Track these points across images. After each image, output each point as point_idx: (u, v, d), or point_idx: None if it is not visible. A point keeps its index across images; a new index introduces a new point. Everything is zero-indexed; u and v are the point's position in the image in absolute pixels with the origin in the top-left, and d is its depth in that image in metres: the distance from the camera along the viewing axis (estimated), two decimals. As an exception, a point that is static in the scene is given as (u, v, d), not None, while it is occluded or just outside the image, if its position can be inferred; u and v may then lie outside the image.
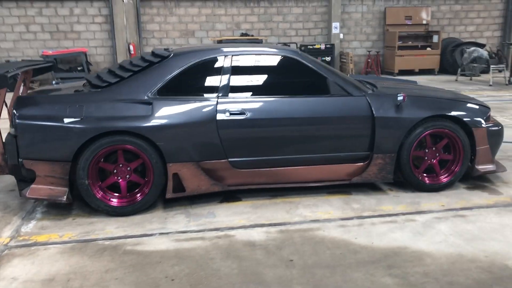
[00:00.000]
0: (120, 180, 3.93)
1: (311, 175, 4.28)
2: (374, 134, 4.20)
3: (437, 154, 4.41)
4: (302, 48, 14.60)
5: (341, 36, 15.19)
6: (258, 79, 4.33)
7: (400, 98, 4.15)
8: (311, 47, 14.45)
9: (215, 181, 4.09)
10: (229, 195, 4.35)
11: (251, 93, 4.18)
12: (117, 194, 3.95)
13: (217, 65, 4.15)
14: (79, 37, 14.06)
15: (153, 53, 4.34)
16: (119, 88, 3.96)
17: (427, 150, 4.40)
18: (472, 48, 13.28)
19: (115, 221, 3.82)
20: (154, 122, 3.84)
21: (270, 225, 3.74)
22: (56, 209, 4.09)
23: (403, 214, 3.92)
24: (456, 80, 13.16)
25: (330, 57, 14.60)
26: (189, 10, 14.42)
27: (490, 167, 4.51)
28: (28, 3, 13.57)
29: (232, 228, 3.69)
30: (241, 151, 4.08)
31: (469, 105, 4.50)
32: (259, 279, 2.94)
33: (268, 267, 3.09)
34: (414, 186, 4.41)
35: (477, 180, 4.67)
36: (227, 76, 4.12)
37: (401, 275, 2.97)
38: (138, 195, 3.96)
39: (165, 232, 3.63)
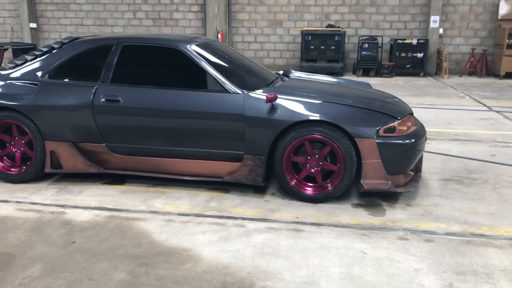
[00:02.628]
0: (16, 151, 4.47)
1: (187, 169, 4.29)
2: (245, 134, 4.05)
3: (321, 163, 4.05)
4: (391, 42, 13.71)
5: (441, 31, 13.82)
6: (142, 69, 4.46)
7: (264, 98, 3.91)
8: (401, 41, 13.48)
9: (93, 163, 4.38)
10: (120, 179, 4.60)
11: (131, 81, 4.34)
12: (11, 163, 4.51)
13: (105, 53, 4.40)
14: (177, 24, 15.23)
15: (58, 41, 4.76)
16: (21, 70, 4.48)
17: (309, 157, 4.07)
18: None
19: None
20: (34, 101, 4.28)
21: (110, 209, 3.92)
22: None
23: (244, 219, 3.74)
24: None
25: (422, 54, 13.44)
26: (278, 0, 14.53)
27: (380, 183, 3.97)
28: (137, -8, 15.13)
29: (76, 207, 3.96)
30: (117, 137, 4.29)
31: (362, 112, 4.00)
32: (21, 250, 3.19)
33: (46, 243, 3.32)
34: (290, 194, 4.13)
35: (383, 197, 4.15)
36: (112, 64, 4.34)
37: (143, 273, 2.94)
38: (24, 167, 4.46)
39: (21, 201, 4.07)
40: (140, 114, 4.21)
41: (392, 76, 13.46)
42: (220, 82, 4.14)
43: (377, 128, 3.91)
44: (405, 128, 4.11)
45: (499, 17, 13.43)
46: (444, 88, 11.23)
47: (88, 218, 3.75)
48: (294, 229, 3.57)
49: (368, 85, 5.16)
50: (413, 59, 13.59)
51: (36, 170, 4.43)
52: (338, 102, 4.06)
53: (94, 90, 4.27)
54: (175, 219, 3.73)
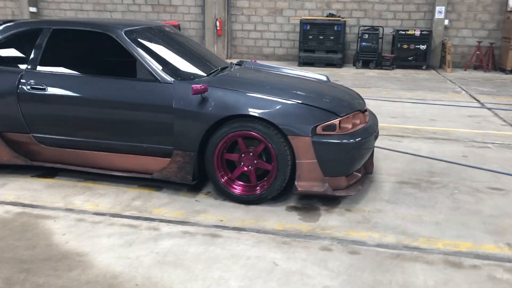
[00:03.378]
0: None
1: (117, 163, 4.02)
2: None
3: (255, 161, 3.72)
4: (393, 33, 13.18)
5: (446, 22, 13.20)
6: (71, 55, 4.17)
7: (190, 88, 3.59)
8: (403, 32, 12.92)
9: (19, 155, 4.13)
10: (52, 172, 4.34)
11: (60, 68, 4.05)
12: None
13: (34, 37, 4.12)
14: (175, 11, 14.91)
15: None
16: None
17: (242, 155, 3.74)
18: None
19: None
20: None
21: (25, 205, 3.67)
22: None
23: (162, 221, 3.45)
24: None
25: (425, 46, 12.87)
26: (279, -12, 14.09)
27: (315, 185, 3.62)
28: (136, -22, 14.84)
29: (-10, 201, 3.72)
30: (44, 128, 4.03)
31: (299, 108, 3.65)
32: None
33: None
34: (223, 194, 3.82)
35: (324, 200, 3.81)
36: (40, 48, 4.07)
37: (19, 281, 2.67)
38: None
39: None
40: (66, 103, 3.93)
41: (392, 69, 12.93)
42: (150, 69, 3.83)
43: (314, 126, 3.55)
44: (349, 126, 3.74)
45: (508, 9, 12.75)
46: (442, 82, 10.69)
47: (-3, 214, 3.50)
48: (211, 234, 3.25)
49: (326, 78, 4.77)
50: (416, 51, 13.03)
51: (-40, 161, 4.21)
52: (275, 96, 3.71)
53: (19, 76, 4.00)
54: (87, 219, 3.45)
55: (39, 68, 4.04)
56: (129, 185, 4.08)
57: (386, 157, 4.95)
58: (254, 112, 3.58)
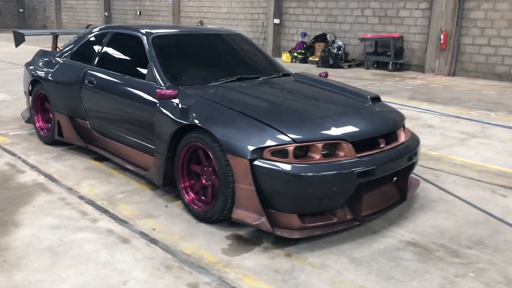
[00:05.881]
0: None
1: (133, 158, 4.29)
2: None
3: (213, 177, 3.45)
4: None
5: None
6: (114, 55, 4.68)
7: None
8: None
9: (80, 137, 4.87)
10: (103, 158, 4.88)
11: (105, 67, 4.57)
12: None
13: (101, 39, 4.78)
14: (402, 22, 14.13)
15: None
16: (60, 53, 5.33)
17: (204, 168, 3.52)
18: None
19: None
20: (48, 76, 5.05)
21: (45, 176, 4.34)
22: None
23: (111, 216, 3.57)
24: None
25: None
26: (525, -5, 11.72)
27: (250, 216, 3.11)
28: (368, -11, 14.72)
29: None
30: (93, 117, 4.65)
31: (252, 125, 3.18)
32: None
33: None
34: (187, 208, 3.65)
35: (279, 238, 3.25)
36: (99, 49, 4.74)
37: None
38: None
39: None
40: (101, 97, 4.46)
41: None
42: (153, 72, 4.00)
43: (258, 147, 3.06)
44: (317, 155, 3.07)
45: None
46: None
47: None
48: (124, 239, 3.21)
49: (371, 98, 3.90)
50: None
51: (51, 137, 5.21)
52: (235, 108, 3.35)
53: (84, 71, 4.71)
54: (67, 199, 3.86)
55: (96, 65, 4.67)
56: (140, 180, 4.31)
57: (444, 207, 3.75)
58: (203, 124, 3.33)
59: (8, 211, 3.61)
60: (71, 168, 4.60)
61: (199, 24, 20.32)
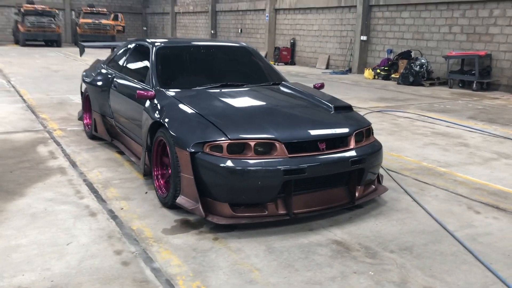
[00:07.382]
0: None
1: (133, 149, 4.97)
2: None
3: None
4: None
5: None
6: (129, 63, 5.35)
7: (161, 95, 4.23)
8: None
9: (108, 134, 5.68)
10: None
11: (122, 72, 5.31)
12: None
13: (127, 50, 5.55)
14: (491, 40, 13.39)
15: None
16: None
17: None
18: None
19: None
20: (89, 80, 5.96)
21: (70, 161, 5.17)
22: None
23: (98, 197, 4.22)
24: None
25: None
26: None
27: (188, 202, 3.56)
28: (456, 5, 14.18)
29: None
30: (116, 116, 5.42)
31: (198, 121, 3.64)
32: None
33: None
34: (156, 193, 4.17)
35: (217, 226, 3.64)
36: (124, 58, 5.52)
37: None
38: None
39: (62, 147, 5.85)
40: (118, 100, 5.19)
41: None
42: (149, 77, 4.61)
43: (198, 142, 3.51)
44: (250, 153, 3.44)
45: None
46: None
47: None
48: (92, 213, 3.82)
49: (333, 107, 4.10)
50: None
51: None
52: (197, 110, 3.86)
53: (113, 76, 5.52)
54: (71, 178, 4.61)
55: (119, 71, 5.45)
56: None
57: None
58: (164, 120, 3.84)
59: (24, 185, 4.45)
60: (94, 158, 5.40)
61: (239, 32, 23.85)
